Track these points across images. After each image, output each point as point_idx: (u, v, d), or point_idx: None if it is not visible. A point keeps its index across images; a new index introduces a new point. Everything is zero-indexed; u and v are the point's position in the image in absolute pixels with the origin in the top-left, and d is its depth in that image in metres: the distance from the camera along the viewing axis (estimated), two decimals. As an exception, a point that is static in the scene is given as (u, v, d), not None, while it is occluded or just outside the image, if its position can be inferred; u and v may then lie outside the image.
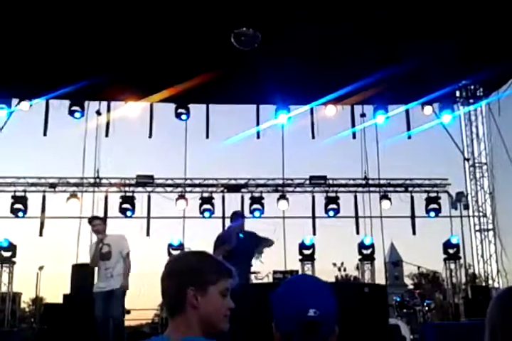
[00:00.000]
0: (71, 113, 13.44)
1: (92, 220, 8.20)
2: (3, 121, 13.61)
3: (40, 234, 13.87)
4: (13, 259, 13.49)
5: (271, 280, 11.71)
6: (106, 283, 7.74)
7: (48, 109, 13.60)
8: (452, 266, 14.05)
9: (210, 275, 1.94)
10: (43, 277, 11.83)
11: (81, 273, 11.79)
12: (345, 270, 42.32)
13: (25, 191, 13.94)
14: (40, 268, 11.70)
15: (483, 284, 14.26)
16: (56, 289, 13.04)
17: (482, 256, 14.60)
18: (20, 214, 13.68)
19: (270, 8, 10.24)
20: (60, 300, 11.21)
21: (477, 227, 14.72)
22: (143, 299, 15.14)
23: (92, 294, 7.85)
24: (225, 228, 8.73)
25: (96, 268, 8.07)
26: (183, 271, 1.95)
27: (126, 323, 9.19)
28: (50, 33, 10.97)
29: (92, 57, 11.78)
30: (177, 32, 11.06)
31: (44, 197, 14.01)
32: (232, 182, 14.67)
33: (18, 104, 13.40)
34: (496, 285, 14.20)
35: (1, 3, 10.12)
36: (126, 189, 14.18)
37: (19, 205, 13.70)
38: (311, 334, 1.70)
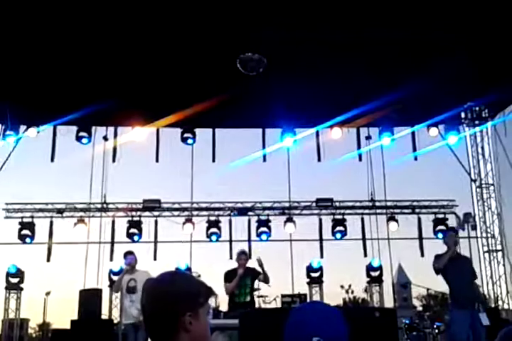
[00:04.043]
0: (78, 139, 13.55)
1: (127, 254, 9.05)
2: (11, 147, 13.71)
3: (48, 260, 13.87)
4: (21, 285, 13.47)
5: (279, 303, 11.64)
6: (134, 316, 8.54)
7: (56, 135, 13.72)
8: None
9: (201, 299, 1.92)
10: (51, 303, 11.78)
11: (88, 299, 11.80)
12: (353, 292, 41.97)
13: (32, 217, 13.99)
14: (47, 293, 11.66)
15: (493, 305, 14.14)
16: (64, 315, 13.02)
17: (491, 277, 14.51)
18: (27, 240, 13.71)
19: (275, 33, 10.36)
20: (68, 326, 11.16)
21: (485, 248, 14.65)
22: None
23: (123, 325, 8.82)
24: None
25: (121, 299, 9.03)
26: (179, 296, 1.89)
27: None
28: (57, 59, 11.11)
29: (99, 83, 11.91)
30: (182, 57, 11.18)
31: (51, 223, 14.05)
32: (239, 205, 14.69)
33: (26, 130, 13.51)
34: (505, 306, 14.09)
35: (9, 29, 10.26)
36: (133, 213, 14.22)
37: (27, 231, 13.73)
38: None
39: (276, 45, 10.70)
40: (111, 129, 14.06)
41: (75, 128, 13.57)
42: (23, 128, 13.59)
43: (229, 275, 9.14)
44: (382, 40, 10.74)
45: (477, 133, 15.16)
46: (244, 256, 9.31)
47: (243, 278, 9.12)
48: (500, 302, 14.22)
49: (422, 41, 10.82)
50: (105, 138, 13.99)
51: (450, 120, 13.96)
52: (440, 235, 13.97)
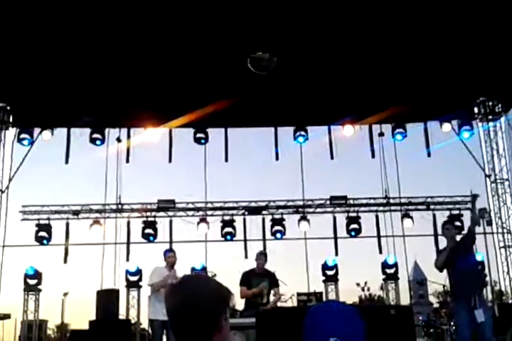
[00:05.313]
0: (92, 140, 13.65)
1: (167, 252, 8.86)
2: (26, 150, 13.83)
3: (65, 261, 13.97)
4: (39, 287, 13.58)
5: (295, 302, 11.65)
6: (165, 314, 8.22)
7: (70, 138, 13.82)
8: (487, 279, 13.87)
9: (230, 300, 1.96)
10: (69, 304, 11.88)
11: (106, 299, 11.87)
12: (368, 290, 41.98)
13: (49, 219, 14.09)
14: (65, 294, 11.74)
15: (510, 301, 14.06)
16: (81, 315, 13.12)
17: (508, 273, 14.42)
18: (44, 241, 13.82)
19: (286, 31, 10.38)
20: (86, 327, 11.25)
21: (501, 244, 14.56)
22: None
23: (153, 321, 8.32)
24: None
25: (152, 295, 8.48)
26: (217, 298, 1.91)
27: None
28: (71, 62, 11.20)
29: (111, 85, 11.99)
30: (193, 58, 11.23)
31: (68, 225, 14.15)
32: (253, 204, 14.70)
33: (40, 133, 13.65)
34: (522, 302, 14.00)
35: (24, 36, 10.36)
36: (148, 214, 14.28)
37: (43, 233, 13.84)
38: None
39: (287, 44, 10.72)
40: (124, 131, 14.13)
41: (88, 130, 13.67)
42: (37, 131, 13.72)
43: (245, 277, 9.07)
44: (395, 37, 10.73)
45: (491, 128, 15.07)
46: (263, 256, 9.29)
47: (260, 279, 9.07)
48: (517, 298, 14.14)
49: (434, 37, 10.79)
50: (118, 140, 14.06)
51: (463, 115, 13.90)
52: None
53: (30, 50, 10.78)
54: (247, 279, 9.05)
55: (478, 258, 13.49)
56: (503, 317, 12.07)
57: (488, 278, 13.90)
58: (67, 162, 13.93)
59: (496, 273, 14.29)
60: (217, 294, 1.94)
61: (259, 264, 9.16)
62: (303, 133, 14.04)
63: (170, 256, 8.65)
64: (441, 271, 7.61)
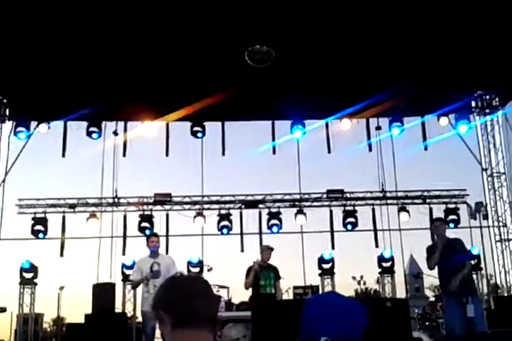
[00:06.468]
0: (89, 134, 13.63)
1: (150, 236, 8.62)
2: (23, 143, 13.79)
3: (61, 255, 13.96)
4: (35, 280, 13.57)
5: (291, 295, 11.68)
6: None
7: (66, 131, 13.79)
8: (474, 276, 13.89)
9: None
10: (64, 297, 11.87)
11: (102, 293, 11.86)
12: (364, 283, 42.17)
13: (45, 212, 14.07)
14: (61, 288, 11.73)
15: (506, 294, 14.10)
16: (77, 309, 13.12)
17: (504, 266, 14.45)
18: (40, 235, 13.80)
19: (284, 26, 10.34)
20: (82, 320, 11.25)
21: (497, 237, 14.59)
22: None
23: (142, 312, 8.16)
24: None
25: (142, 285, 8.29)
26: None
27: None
28: (67, 56, 11.15)
29: (108, 78, 11.95)
30: (191, 51, 11.19)
31: (64, 218, 14.12)
32: (250, 198, 14.70)
33: (37, 126, 13.60)
34: (518, 295, 14.03)
35: (21, 29, 10.30)
36: (145, 207, 14.27)
37: (39, 227, 13.82)
38: None
39: (285, 37, 10.68)
40: (121, 124, 14.10)
41: (85, 123, 13.64)
42: (33, 124, 13.67)
43: (250, 271, 9.25)
44: (392, 30, 10.70)
45: (488, 121, 15.06)
46: (269, 251, 9.46)
47: (267, 271, 9.27)
48: (513, 292, 14.18)
49: (431, 30, 10.76)
50: (115, 133, 14.03)
51: (460, 109, 13.90)
52: (451, 225, 13.97)
53: (27, 43, 10.72)
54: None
55: (475, 251, 13.56)
56: (499, 310, 12.12)
57: (483, 272, 13.97)
58: (63, 155, 13.90)
59: (491, 266, 14.34)
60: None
61: (265, 258, 9.29)
62: (300, 127, 14.01)
63: (151, 241, 8.37)
64: (432, 269, 7.69)
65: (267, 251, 9.46)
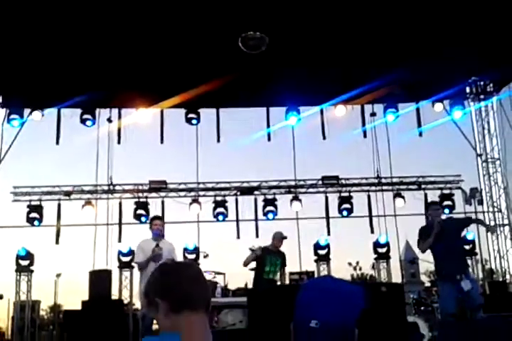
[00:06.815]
0: (83, 121, 13.56)
1: (153, 219, 8.46)
2: (16, 131, 13.72)
3: (57, 242, 13.97)
4: (31, 268, 13.59)
5: (287, 281, 11.74)
6: None
7: (60, 118, 13.73)
8: (469, 262, 13.96)
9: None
10: (61, 284, 11.91)
11: (98, 280, 11.89)
12: (360, 269, 42.42)
13: (40, 200, 14.06)
14: (58, 275, 11.77)
15: (501, 279, 14.19)
16: (74, 296, 13.16)
17: (498, 251, 14.54)
18: (36, 222, 13.79)
19: (277, 12, 10.28)
20: (79, 307, 11.29)
21: (492, 223, 14.65)
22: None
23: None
24: None
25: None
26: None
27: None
28: (61, 42, 11.08)
29: (101, 65, 11.88)
30: (184, 37, 11.12)
31: (59, 205, 14.11)
32: (245, 185, 14.71)
33: (30, 113, 13.53)
34: (513, 280, 14.13)
35: (13, 14, 10.22)
36: (140, 195, 14.26)
37: (35, 214, 13.81)
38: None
39: (279, 23, 10.62)
40: (115, 111, 14.04)
41: (79, 110, 13.58)
42: (27, 111, 13.60)
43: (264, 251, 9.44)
44: (386, 18, 10.66)
45: (482, 107, 15.07)
46: (282, 239, 9.62)
47: (275, 257, 9.44)
48: (508, 276, 14.26)
49: (425, 19, 10.71)
50: (109, 120, 13.98)
51: (455, 95, 13.89)
52: (446, 210, 14.02)
53: (20, 30, 10.64)
54: (262, 255, 9.30)
55: (470, 237, 13.63)
56: (494, 295, 12.21)
57: (478, 257, 14.04)
58: (57, 143, 13.84)
59: (486, 251, 14.41)
60: None
61: (277, 245, 9.40)
62: (295, 113, 13.98)
63: (155, 224, 8.17)
64: (424, 253, 7.75)
65: (280, 239, 9.59)
